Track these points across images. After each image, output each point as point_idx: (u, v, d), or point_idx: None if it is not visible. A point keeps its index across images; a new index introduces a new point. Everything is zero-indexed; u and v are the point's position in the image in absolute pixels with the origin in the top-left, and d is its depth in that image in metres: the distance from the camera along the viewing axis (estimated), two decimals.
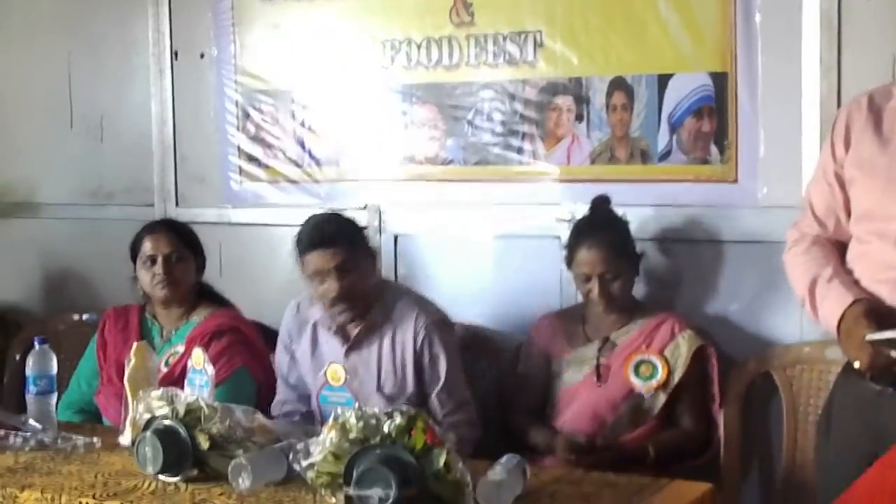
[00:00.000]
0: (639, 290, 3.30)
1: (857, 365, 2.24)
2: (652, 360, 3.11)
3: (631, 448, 3.04)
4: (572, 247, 3.19)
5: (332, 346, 3.16)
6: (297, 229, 3.16)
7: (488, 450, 2.64)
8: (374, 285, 3.16)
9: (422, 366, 3.10)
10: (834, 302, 2.30)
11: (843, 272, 2.37)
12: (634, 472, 2.82)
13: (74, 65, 4.21)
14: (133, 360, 2.76)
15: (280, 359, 3.27)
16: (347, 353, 3.13)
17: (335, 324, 3.13)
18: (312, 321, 3.21)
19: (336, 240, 3.06)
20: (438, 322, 3.15)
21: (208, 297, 3.43)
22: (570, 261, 3.20)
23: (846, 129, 2.40)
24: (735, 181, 3.22)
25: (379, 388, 3.09)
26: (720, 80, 3.21)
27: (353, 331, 3.14)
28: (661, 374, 3.09)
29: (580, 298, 3.28)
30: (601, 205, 3.25)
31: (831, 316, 2.29)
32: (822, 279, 2.36)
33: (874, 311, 2.22)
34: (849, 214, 2.41)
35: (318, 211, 3.73)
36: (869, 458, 2.15)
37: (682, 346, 3.13)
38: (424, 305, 3.16)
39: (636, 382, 3.09)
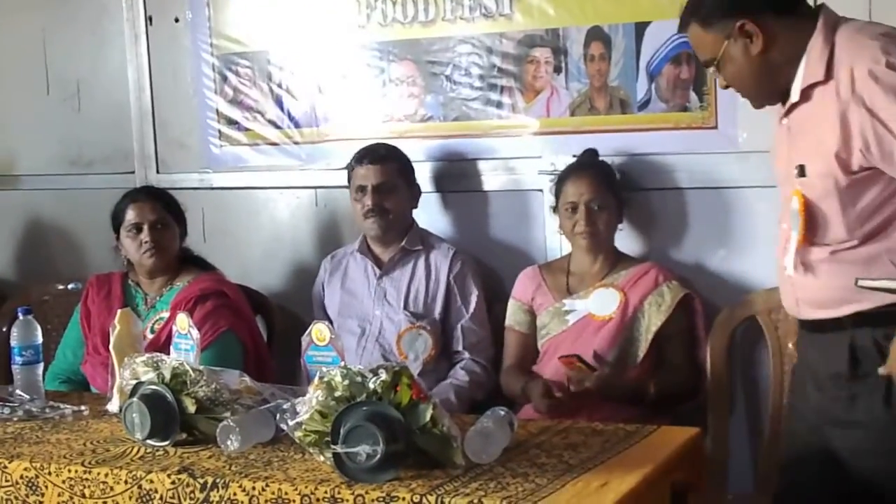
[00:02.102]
0: (622, 241, 3.31)
1: None
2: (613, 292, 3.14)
3: (632, 386, 3.05)
4: (559, 185, 3.22)
5: (365, 271, 3.43)
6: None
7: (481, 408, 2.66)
8: (411, 219, 3.43)
9: (452, 295, 3.34)
10: None
11: None
12: (628, 412, 2.87)
13: (49, 33, 4.17)
14: (118, 328, 2.76)
15: (315, 304, 3.55)
16: (381, 277, 3.41)
17: (371, 232, 3.38)
18: (349, 254, 3.50)
19: (383, 160, 3.35)
20: (473, 262, 3.41)
21: (192, 262, 3.43)
22: (556, 201, 3.22)
23: None
24: (715, 127, 3.22)
25: (405, 307, 3.33)
26: None
27: (387, 256, 3.41)
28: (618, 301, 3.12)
29: (564, 252, 3.28)
30: (588, 155, 3.27)
31: None
32: None
33: None
34: None
35: (300, 173, 3.76)
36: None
37: (667, 296, 3.14)
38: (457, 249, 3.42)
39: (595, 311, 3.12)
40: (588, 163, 3.26)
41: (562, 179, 3.24)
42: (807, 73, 2.32)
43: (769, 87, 2.42)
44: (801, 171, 2.34)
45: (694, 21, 2.41)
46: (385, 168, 3.36)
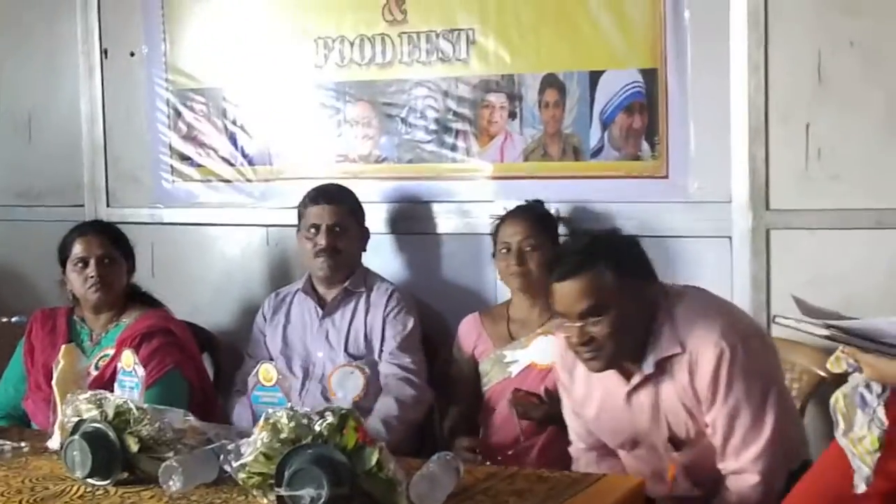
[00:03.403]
0: None
1: None
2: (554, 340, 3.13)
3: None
4: (496, 228, 3.23)
5: (307, 312, 3.42)
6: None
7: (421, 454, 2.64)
8: (357, 261, 3.44)
9: (386, 326, 3.33)
10: None
11: None
12: None
13: (2, 61, 4.15)
14: (61, 363, 2.72)
15: (253, 339, 3.51)
16: (323, 318, 3.38)
17: (320, 272, 3.37)
18: (292, 293, 3.49)
19: (338, 200, 3.38)
20: (410, 297, 3.41)
21: (139, 298, 3.39)
22: (495, 244, 3.23)
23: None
24: (666, 176, 3.26)
25: (346, 349, 3.33)
26: (650, 77, 3.24)
27: (330, 296, 3.40)
28: None
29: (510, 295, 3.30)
30: (532, 203, 3.30)
31: None
32: None
33: None
34: None
35: (252, 211, 3.75)
36: None
37: None
38: (397, 287, 3.43)
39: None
40: (524, 207, 3.27)
41: (499, 224, 3.25)
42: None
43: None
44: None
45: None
46: (339, 209, 3.37)
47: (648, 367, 2.48)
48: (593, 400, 2.61)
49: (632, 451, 2.61)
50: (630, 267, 2.47)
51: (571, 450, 2.77)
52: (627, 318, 2.43)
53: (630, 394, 2.53)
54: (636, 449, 2.60)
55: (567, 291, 2.43)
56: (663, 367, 2.47)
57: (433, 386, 3.32)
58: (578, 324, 2.43)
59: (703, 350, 2.43)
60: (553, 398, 3.02)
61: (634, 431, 2.56)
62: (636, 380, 2.50)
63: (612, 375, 2.53)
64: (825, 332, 1.93)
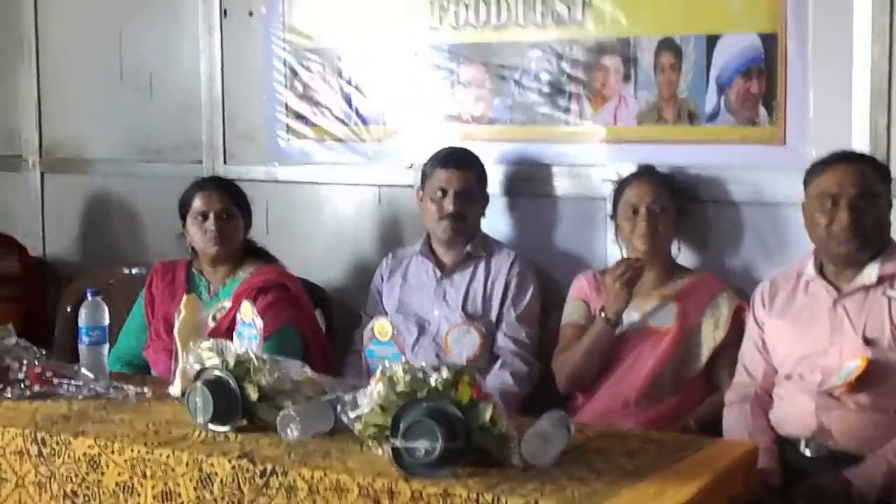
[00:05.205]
0: (684, 252, 3.31)
1: None
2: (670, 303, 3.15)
3: (671, 421, 3.04)
4: (618, 191, 3.24)
5: (425, 273, 3.47)
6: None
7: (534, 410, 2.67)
8: (478, 226, 3.48)
9: (507, 293, 3.37)
10: None
11: None
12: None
13: (125, 22, 4.25)
14: (183, 313, 2.80)
15: (370, 298, 3.58)
16: (441, 279, 3.44)
17: (443, 235, 3.42)
18: (410, 256, 3.54)
19: (467, 166, 3.41)
20: (533, 266, 3.45)
21: (255, 253, 3.47)
22: (615, 208, 3.23)
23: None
24: (783, 143, 3.21)
25: (463, 308, 3.39)
26: (769, 41, 3.19)
27: (449, 258, 3.45)
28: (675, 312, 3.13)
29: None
30: (646, 167, 3.29)
31: None
32: None
33: None
34: None
35: (364, 169, 3.79)
36: None
37: (723, 306, 3.14)
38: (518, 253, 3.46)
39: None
40: (649, 171, 3.27)
41: (622, 185, 3.25)
42: None
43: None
44: None
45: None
46: (468, 175, 3.41)
47: (870, 278, 2.75)
48: (790, 320, 2.86)
49: (810, 374, 2.77)
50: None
51: (726, 397, 2.95)
52: (885, 216, 2.81)
53: (837, 301, 2.78)
54: (813, 372, 2.76)
55: (850, 171, 2.78)
56: (882, 280, 2.74)
57: (542, 356, 3.35)
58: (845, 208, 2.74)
59: None
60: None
61: (827, 340, 2.77)
62: (852, 286, 2.77)
63: (819, 287, 2.83)
64: None
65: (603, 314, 3.12)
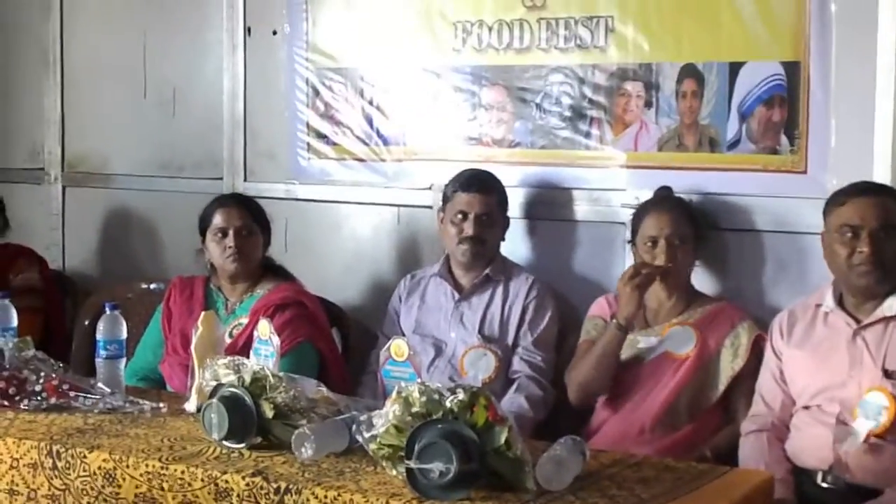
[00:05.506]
0: (703, 279, 3.30)
1: None
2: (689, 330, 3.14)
3: (686, 449, 3.02)
4: (637, 218, 3.23)
5: (443, 294, 3.47)
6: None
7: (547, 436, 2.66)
8: (497, 249, 3.48)
9: (525, 317, 3.37)
10: None
11: None
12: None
13: (149, 39, 4.28)
14: (200, 329, 2.80)
15: (388, 318, 3.58)
16: (459, 301, 3.44)
17: (462, 258, 3.41)
18: (428, 277, 3.54)
19: (488, 190, 3.40)
20: (551, 290, 3.44)
21: (273, 271, 3.48)
22: (634, 234, 3.22)
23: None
24: (804, 172, 3.20)
25: (480, 331, 3.38)
26: (792, 70, 3.19)
27: (467, 280, 3.45)
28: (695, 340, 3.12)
29: None
30: (664, 191, 3.28)
31: None
32: None
33: None
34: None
35: (384, 190, 3.80)
36: None
37: (743, 336, 3.13)
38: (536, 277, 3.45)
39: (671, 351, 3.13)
40: (667, 198, 3.26)
41: (641, 213, 3.24)
42: None
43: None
44: None
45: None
46: (489, 199, 3.40)
47: (891, 310, 2.76)
48: (808, 351, 2.87)
49: (829, 405, 2.78)
50: None
51: (743, 426, 2.95)
52: None
53: (856, 333, 2.79)
54: (832, 403, 2.77)
55: (871, 203, 2.78)
56: None
57: (558, 380, 3.33)
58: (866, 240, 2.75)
59: None
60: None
61: (846, 372, 2.78)
62: (872, 318, 2.78)
63: (839, 318, 2.84)
64: None
65: (614, 320, 3.11)
